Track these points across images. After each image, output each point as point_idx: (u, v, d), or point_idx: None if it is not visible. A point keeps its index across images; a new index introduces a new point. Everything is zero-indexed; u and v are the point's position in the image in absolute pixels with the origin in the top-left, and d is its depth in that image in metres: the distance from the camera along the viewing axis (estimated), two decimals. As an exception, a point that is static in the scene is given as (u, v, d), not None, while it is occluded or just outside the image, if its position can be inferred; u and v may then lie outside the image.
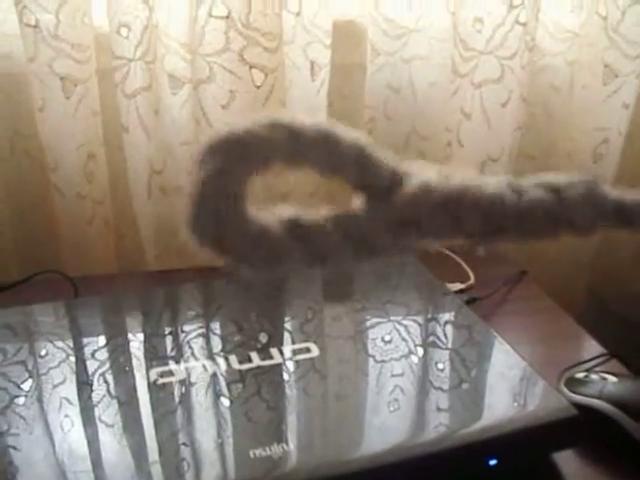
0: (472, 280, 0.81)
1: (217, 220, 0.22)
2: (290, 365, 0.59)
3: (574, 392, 0.60)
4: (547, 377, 0.58)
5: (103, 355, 0.60)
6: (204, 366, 0.58)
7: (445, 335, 0.64)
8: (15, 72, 0.81)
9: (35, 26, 0.74)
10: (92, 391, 0.55)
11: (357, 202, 0.25)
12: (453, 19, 0.85)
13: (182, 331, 0.64)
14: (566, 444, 0.55)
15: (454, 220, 0.25)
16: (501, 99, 0.89)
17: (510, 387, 0.57)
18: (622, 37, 0.88)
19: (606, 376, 0.60)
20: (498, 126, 0.90)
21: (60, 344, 0.62)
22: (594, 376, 0.61)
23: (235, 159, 0.22)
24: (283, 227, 0.23)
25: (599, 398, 0.58)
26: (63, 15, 0.75)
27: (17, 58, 0.79)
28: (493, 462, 0.52)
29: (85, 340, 0.63)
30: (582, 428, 0.54)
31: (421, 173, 0.26)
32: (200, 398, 0.55)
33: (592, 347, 0.71)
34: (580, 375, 0.62)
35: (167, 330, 0.65)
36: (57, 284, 0.78)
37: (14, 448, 0.50)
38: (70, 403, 0.54)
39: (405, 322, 0.66)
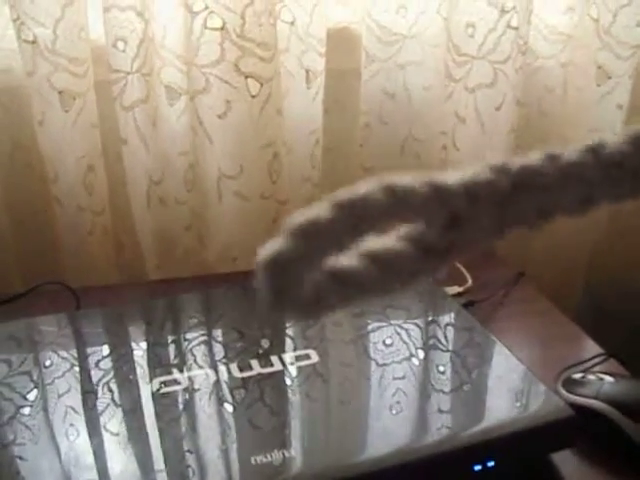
0: (470, 283, 0.82)
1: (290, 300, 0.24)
2: (291, 372, 0.59)
3: (571, 392, 0.60)
4: (545, 378, 0.59)
5: (107, 365, 0.61)
6: (206, 374, 0.59)
7: (445, 338, 0.65)
8: (14, 86, 0.82)
9: (33, 41, 0.75)
10: (97, 400, 0.56)
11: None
12: (446, 25, 0.86)
13: (184, 339, 0.65)
14: (564, 444, 0.56)
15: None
16: (495, 103, 0.89)
17: (508, 389, 0.58)
18: (614, 38, 0.89)
19: (603, 376, 0.61)
20: (493, 129, 0.91)
21: (64, 354, 0.62)
22: (591, 376, 0.61)
23: (307, 248, 0.23)
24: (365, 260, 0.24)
25: (596, 398, 0.58)
26: (60, 30, 0.75)
27: (16, 73, 0.80)
28: (491, 463, 0.52)
29: (89, 350, 0.64)
30: (580, 428, 0.55)
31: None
32: (203, 406, 0.55)
33: (589, 347, 0.71)
34: (577, 376, 0.62)
35: (170, 339, 0.66)
36: (59, 295, 0.79)
37: (20, 458, 0.50)
38: (75, 412, 0.55)
39: (405, 326, 0.66)
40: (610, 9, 0.88)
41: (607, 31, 0.89)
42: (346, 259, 0.24)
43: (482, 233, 0.26)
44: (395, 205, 0.24)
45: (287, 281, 0.24)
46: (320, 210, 0.24)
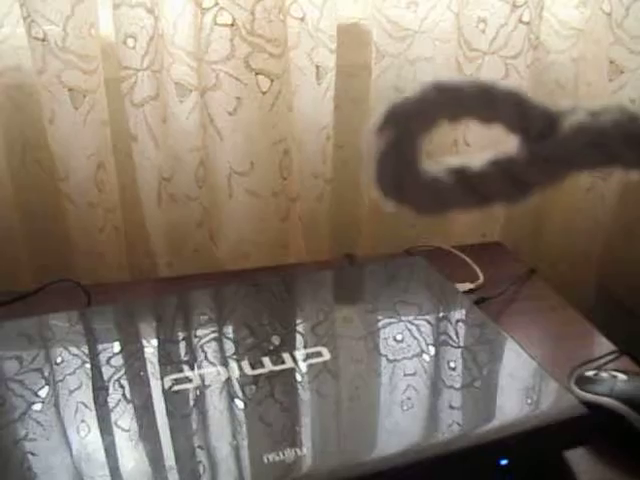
0: (481, 279, 0.82)
1: (398, 181, 0.26)
2: (303, 369, 0.59)
3: (584, 390, 0.60)
4: (557, 375, 0.59)
5: (118, 362, 0.61)
6: (218, 371, 0.59)
7: (456, 334, 0.65)
8: (24, 84, 0.82)
9: (43, 39, 0.75)
10: (108, 397, 0.56)
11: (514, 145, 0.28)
12: (456, 20, 0.85)
13: (195, 336, 0.65)
14: (577, 442, 0.55)
15: (606, 157, 0.27)
16: (506, 98, 0.89)
17: (521, 386, 0.58)
18: (627, 33, 0.88)
19: (616, 374, 0.61)
20: (504, 125, 0.90)
21: (75, 351, 0.62)
22: (604, 374, 0.61)
23: (407, 127, 0.26)
24: (451, 175, 0.27)
25: (609, 396, 0.58)
26: (70, 27, 0.75)
27: (26, 70, 0.80)
28: (504, 462, 0.52)
29: (100, 347, 0.64)
30: (593, 426, 0.54)
31: (572, 112, 0.28)
32: (215, 403, 0.55)
33: (602, 344, 0.71)
34: (590, 373, 0.62)
35: (181, 336, 0.66)
36: (70, 292, 0.79)
37: (32, 454, 0.50)
38: (86, 409, 0.55)
39: (416, 322, 0.66)
40: (623, 3, 0.87)
41: (620, 25, 0.88)
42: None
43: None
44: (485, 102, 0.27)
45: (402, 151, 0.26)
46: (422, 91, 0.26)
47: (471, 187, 0.27)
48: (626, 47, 0.89)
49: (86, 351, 0.63)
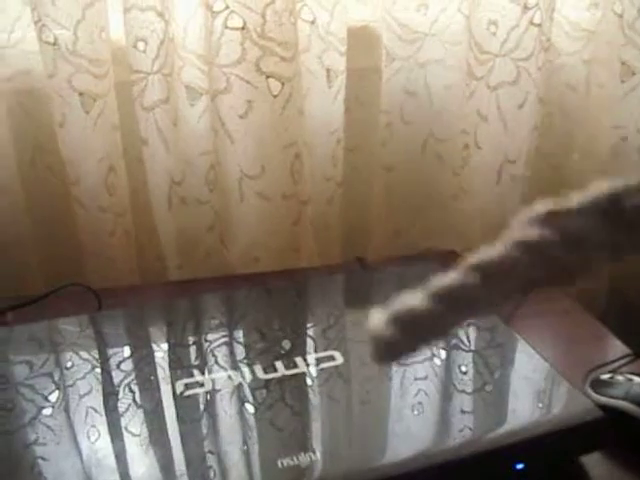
0: (493, 282, 0.81)
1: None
2: (315, 373, 0.59)
3: (600, 394, 0.59)
4: (572, 379, 0.58)
5: (128, 366, 0.61)
6: (229, 376, 0.58)
7: (468, 338, 0.64)
8: (35, 88, 0.82)
9: (54, 43, 0.75)
10: (118, 401, 0.56)
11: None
12: (467, 22, 0.85)
13: (206, 341, 0.64)
14: (593, 446, 0.55)
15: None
16: (518, 101, 0.88)
17: (534, 390, 0.57)
18: (638, 34, 0.87)
19: (632, 377, 0.60)
20: (515, 127, 0.90)
21: (86, 356, 0.62)
22: (619, 377, 0.60)
23: (410, 337, 0.31)
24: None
25: (625, 399, 0.57)
26: (81, 31, 0.75)
27: (37, 74, 0.80)
28: (520, 466, 0.52)
29: (110, 351, 0.63)
30: (609, 430, 0.54)
31: None
32: (226, 408, 0.55)
33: (616, 347, 0.70)
34: (605, 376, 0.61)
35: (191, 340, 0.65)
36: (81, 296, 0.79)
37: (42, 458, 0.50)
38: (97, 413, 0.55)
39: (427, 326, 0.65)
40: (634, 4, 0.86)
41: (631, 26, 0.87)
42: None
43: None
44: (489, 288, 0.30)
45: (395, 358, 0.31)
46: (418, 301, 0.30)
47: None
48: (638, 48, 0.88)
49: (96, 355, 0.63)
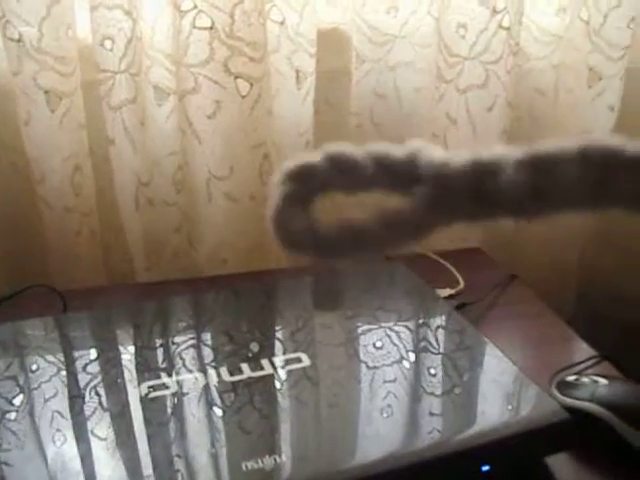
0: (462, 285, 0.81)
1: (289, 233, 0.29)
2: (282, 375, 0.59)
3: (566, 395, 0.60)
4: (539, 381, 0.58)
5: (94, 369, 0.60)
6: (196, 378, 0.58)
7: (436, 340, 0.64)
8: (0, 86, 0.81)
9: (18, 40, 0.74)
10: (84, 405, 0.55)
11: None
12: (437, 25, 0.85)
13: (173, 343, 0.64)
14: (559, 448, 0.55)
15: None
16: (487, 104, 0.89)
17: (502, 392, 0.57)
18: (605, 40, 0.88)
19: (597, 379, 0.60)
20: (484, 131, 0.90)
21: (51, 358, 0.61)
22: (585, 379, 0.61)
23: (298, 188, 0.28)
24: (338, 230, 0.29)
25: (591, 401, 0.58)
26: (46, 28, 0.74)
27: (1, 72, 0.79)
28: (486, 468, 0.52)
29: (76, 354, 0.63)
30: (575, 431, 0.54)
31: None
32: (193, 410, 0.55)
33: (583, 350, 0.71)
34: (571, 378, 0.62)
35: (158, 342, 0.65)
36: (46, 298, 0.78)
37: (6, 464, 0.49)
38: (62, 417, 0.54)
39: (396, 328, 0.66)
40: (600, 10, 0.87)
41: (597, 33, 0.88)
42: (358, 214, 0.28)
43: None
44: (379, 173, 0.28)
45: (291, 215, 0.29)
46: (313, 158, 0.28)
47: (355, 240, 0.28)
48: (604, 54, 0.89)
49: (62, 358, 0.62)
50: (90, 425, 0.53)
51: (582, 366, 0.67)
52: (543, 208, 0.27)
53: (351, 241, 0.28)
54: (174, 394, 0.56)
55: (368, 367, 0.60)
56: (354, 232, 0.28)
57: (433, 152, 0.28)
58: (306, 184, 0.28)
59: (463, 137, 0.91)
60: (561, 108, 0.94)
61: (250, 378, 0.58)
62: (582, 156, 0.25)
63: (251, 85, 0.81)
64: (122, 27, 0.76)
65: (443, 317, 0.69)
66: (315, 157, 0.28)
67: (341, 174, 0.28)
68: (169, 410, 0.55)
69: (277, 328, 0.68)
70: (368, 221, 0.28)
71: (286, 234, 0.28)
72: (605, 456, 0.56)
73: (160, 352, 0.63)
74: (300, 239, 0.28)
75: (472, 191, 0.27)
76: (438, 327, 0.68)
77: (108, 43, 0.76)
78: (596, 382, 0.60)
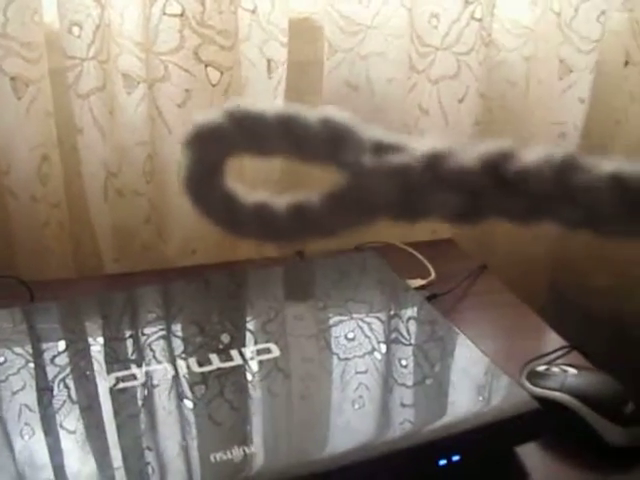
0: (433, 276, 0.82)
1: (199, 196, 0.27)
2: (251, 366, 0.58)
3: (536, 385, 0.60)
4: (509, 371, 0.59)
5: (63, 360, 0.59)
6: (165, 369, 0.57)
7: (408, 331, 0.64)
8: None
9: (-17, 25, 0.73)
10: (53, 397, 0.54)
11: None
12: (409, 15, 0.85)
13: (143, 334, 0.63)
14: (529, 437, 0.56)
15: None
16: (458, 94, 0.89)
17: (473, 382, 0.58)
18: (575, 33, 0.89)
19: (567, 368, 0.61)
20: (456, 121, 0.90)
21: (18, 350, 0.60)
22: (555, 369, 0.61)
23: (203, 151, 0.26)
24: (250, 208, 0.26)
25: (560, 391, 0.58)
26: (12, 12, 0.73)
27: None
28: (457, 458, 0.52)
29: (44, 346, 0.62)
30: (544, 421, 0.55)
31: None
32: (162, 401, 0.54)
33: (553, 340, 0.72)
34: (541, 368, 0.62)
35: (127, 333, 0.64)
36: (13, 289, 0.76)
37: (-28, 459, 0.48)
38: (30, 410, 0.53)
39: (367, 319, 0.65)
40: (571, 3, 0.88)
41: (569, 25, 0.89)
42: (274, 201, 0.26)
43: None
44: (289, 136, 0.25)
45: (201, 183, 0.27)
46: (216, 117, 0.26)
47: (264, 222, 0.26)
48: (575, 46, 0.90)
49: (29, 350, 0.61)
50: (59, 418, 0.52)
51: (552, 356, 0.68)
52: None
53: (261, 226, 0.26)
54: (143, 385, 0.56)
55: (339, 358, 0.60)
56: (264, 218, 0.26)
57: (364, 130, 0.26)
58: (210, 149, 0.26)
59: (434, 128, 0.91)
60: (532, 99, 0.94)
61: (220, 369, 0.57)
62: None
63: (221, 74, 0.80)
64: (90, 13, 0.75)
65: (414, 308, 0.70)
66: (218, 116, 0.26)
67: (247, 137, 0.25)
68: (139, 402, 0.54)
69: (247, 319, 0.68)
70: (279, 209, 0.26)
71: (202, 206, 0.26)
72: (574, 444, 0.57)
73: (129, 343, 0.62)
74: (216, 212, 0.26)
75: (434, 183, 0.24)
76: (409, 318, 0.68)
77: (76, 29, 0.75)
78: (565, 372, 0.60)
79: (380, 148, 0.25)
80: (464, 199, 0.24)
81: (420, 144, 0.24)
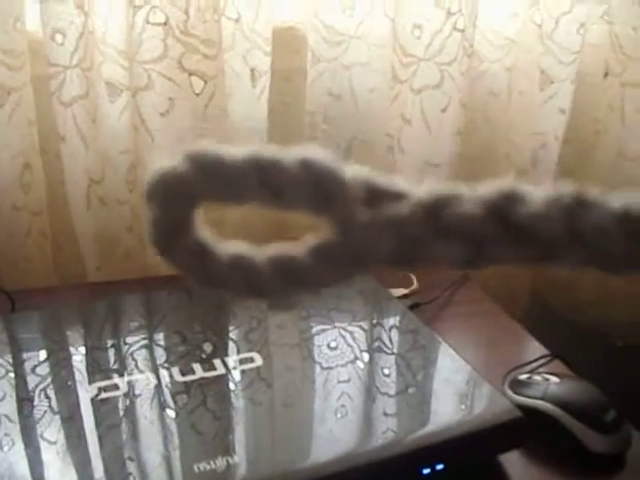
0: (415, 285, 0.82)
1: (169, 254, 0.24)
2: (234, 375, 0.58)
3: (518, 394, 0.60)
4: (491, 379, 0.59)
5: (44, 370, 0.59)
6: (147, 379, 0.57)
7: (390, 340, 0.65)
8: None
9: (-35, 32, 0.72)
10: (33, 408, 0.54)
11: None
12: (392, 26, 0.85)
13: (125, 343, 0.63)
14: (511, 445, 0.56)
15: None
16: (441, 105, 0.90)
17: (455, 391, 0.58)
18: (556, 44, 0.90)
19: (549, 377, 0.61)
20: (438, 131, 0.91)
21: (-2, 360, 0.60)
22: (537, 377, 0.62)
23: (166, 204, 0.23)
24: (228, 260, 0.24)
25: (542, 399, 0.59)
26: (-6, 21, 0.73)
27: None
28: (440, 466, 0.52)
29: (25, 355, 0.61)
30: (527, 429, 0.55)
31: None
32: (145, 411, 0.54)
33: (535, 348, 0.72)
34: (524, 377, 0.63)
35: (110, 343, 0.64)
36: (-7, 298, 0.76)
37: (-49, 470, 0.48)
38: (10, 421, 0.52)
39: (350, 328, 0.65)
40: (552, 15, 0.89)
41: (549, 37, 0.90)
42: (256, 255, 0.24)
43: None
44: (262, 179, 0.22)
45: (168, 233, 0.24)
46: (179, 166, 0.23)
47: (245, 277, 0.24)
48: (556, 58, 0.91)
49: (10, 359, 0.60)
50: (40, 429, 0.52)
51: (534, 365, 0.68)
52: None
53: (241, 281, 0.23)
54: (126, 395, 0.55)
55: (322, 367, 0.60)
56: (243, 273, 0.23)
57: (348, 173, 0.23)
58: (174, 201, 0.23)
59: (417, 137, 0.91)
60: (514, 110, 0.95)
61: (203, 378, 0.57)
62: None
63: (205, 83, 0.80)
64: (73, 21, 0.75)
65: (397, 317, 0.70)
66: (180, 164, 0.23)
67: (215, 185, 0.23)
68: (121, 411, 0.54)
69: (230, 328, 0.68)
70: (261, 263, 0.23)
71: (171, 261, 0.24)
72: (556, 452, 0.57)
73: (111, 352, 0.62)
74: (188, 267, 0.24)
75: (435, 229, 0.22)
76: (392, 327, 0.68)
77: (59, 37, 0.75)
78: (547, 380, 0.61)
79: (371, 196, 0.23)
80: (469, 248, 0.22)
81: (415, 190, 0.23)
